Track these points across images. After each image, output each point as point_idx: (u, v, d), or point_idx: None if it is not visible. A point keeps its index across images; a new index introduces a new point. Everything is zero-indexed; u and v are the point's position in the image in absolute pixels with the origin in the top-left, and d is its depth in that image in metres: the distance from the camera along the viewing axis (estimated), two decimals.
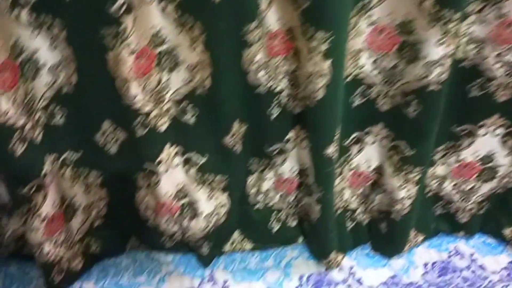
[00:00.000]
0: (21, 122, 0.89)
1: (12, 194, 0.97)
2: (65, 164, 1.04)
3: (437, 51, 0.88)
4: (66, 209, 1.08)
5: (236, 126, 1.00)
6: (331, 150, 0.98)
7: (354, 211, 1.20)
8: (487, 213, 1.20)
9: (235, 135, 1.01)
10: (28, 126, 0.91)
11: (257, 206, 1.19)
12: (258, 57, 0.91)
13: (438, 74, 0.90)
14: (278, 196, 1.18)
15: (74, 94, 0.94)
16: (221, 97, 0.96)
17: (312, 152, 1.03)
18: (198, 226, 1.11)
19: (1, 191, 1.07)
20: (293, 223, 1.23)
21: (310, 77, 0.89)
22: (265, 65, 0.93)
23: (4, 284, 1.18)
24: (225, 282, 1.17)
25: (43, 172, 0.96)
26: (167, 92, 0.96)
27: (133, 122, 0.94)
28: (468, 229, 1.24)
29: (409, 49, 0.92)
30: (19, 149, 0.90)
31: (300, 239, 1.24)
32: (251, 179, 1.14)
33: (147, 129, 0.95)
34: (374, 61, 0.96)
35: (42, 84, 0.92)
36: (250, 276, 1.18)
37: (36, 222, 0.99)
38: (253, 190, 1.16)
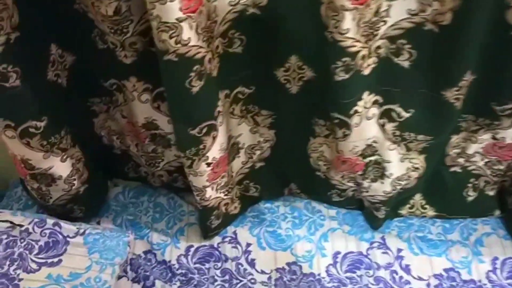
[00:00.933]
0: (201, 53, 0.71)
1: (179, 133, 0.83)
2: (236, 101, 0.87)
3: None
4: (231, 149, 0.93)
5: (467, 76, 0.75)
6: None
7: None
8: None
9: (461, 88, 0.76)
10: (207, 58, 0.73)
11: (454, 168, 0.96)
12: None
13: None
14: (483, 162, 0.93)
15: (260, 18, 0.74)
16: (461, 38, 0.70)
17: None
18: (382, 188, 0.92)
19: (160, 122, 0.94)
20: (491, 192, 0.99)
21: None
22: None
23: (154, 214, 1.10)
24: (399, 251, 0.99)
25: (217, 111, 0.80)
26: (382, 26, 0.72)
27: (333, 63, 0.73)
28: None
29: None
30: (196, 85, 0.73)
31: (496, 212, 1.01)
32: (456, 138, 0.90)
33: (349, 73, 0.73)
34: None
35: (226, 2, 0.72)
36: (429, 249, 0.99)
37: (203, 167, 0.85)
38: (455, 151, 0.92)
